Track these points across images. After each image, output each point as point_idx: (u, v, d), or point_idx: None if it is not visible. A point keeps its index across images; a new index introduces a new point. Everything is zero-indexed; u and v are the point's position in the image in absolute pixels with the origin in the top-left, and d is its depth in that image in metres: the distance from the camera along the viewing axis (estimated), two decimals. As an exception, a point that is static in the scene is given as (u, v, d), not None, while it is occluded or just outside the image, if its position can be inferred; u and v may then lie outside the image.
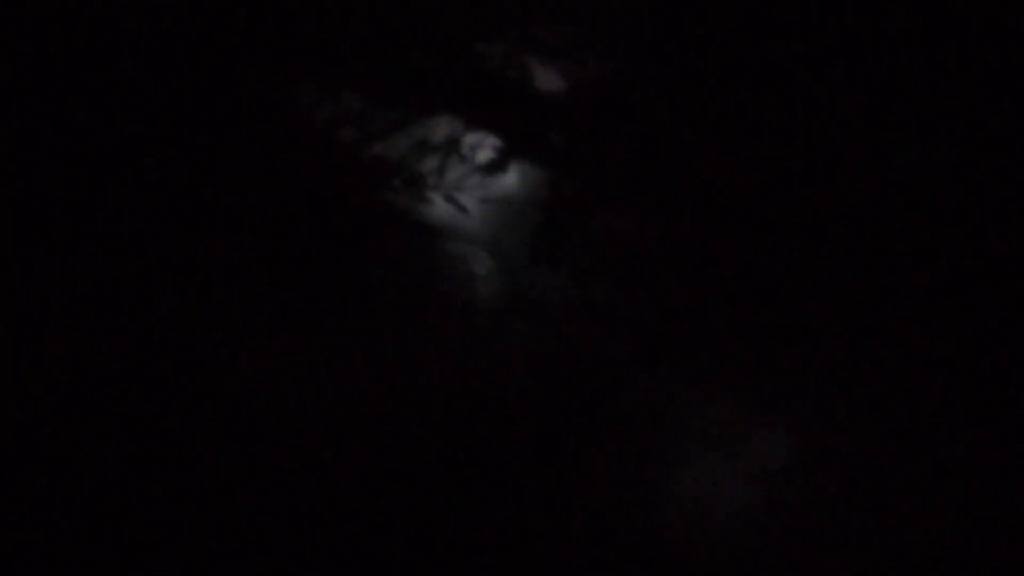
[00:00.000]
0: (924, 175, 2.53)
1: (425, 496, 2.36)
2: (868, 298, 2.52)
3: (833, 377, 2.52)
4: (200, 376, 2.38)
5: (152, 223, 2.45)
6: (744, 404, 2.52)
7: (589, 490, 2.42)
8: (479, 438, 2.44)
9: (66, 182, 2.43)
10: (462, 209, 2.69)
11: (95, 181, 2.45)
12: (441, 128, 2.71)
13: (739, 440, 2.49)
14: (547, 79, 2.74)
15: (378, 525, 2.31)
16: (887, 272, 2.52)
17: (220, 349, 2.40)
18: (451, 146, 2.71)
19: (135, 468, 2.27)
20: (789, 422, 2.50)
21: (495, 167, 2.71)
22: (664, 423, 2.51)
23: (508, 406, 2.47)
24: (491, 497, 2.39)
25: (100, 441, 2.27)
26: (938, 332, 2.48)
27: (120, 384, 2.33)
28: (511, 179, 2.71)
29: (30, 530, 2.16)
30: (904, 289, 2.50)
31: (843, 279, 2.54)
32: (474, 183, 2.71)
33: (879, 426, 2.47)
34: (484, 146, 2.72)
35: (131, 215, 2.44)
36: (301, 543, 2.26)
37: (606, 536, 2.37)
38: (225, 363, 2.40)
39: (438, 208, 2.69)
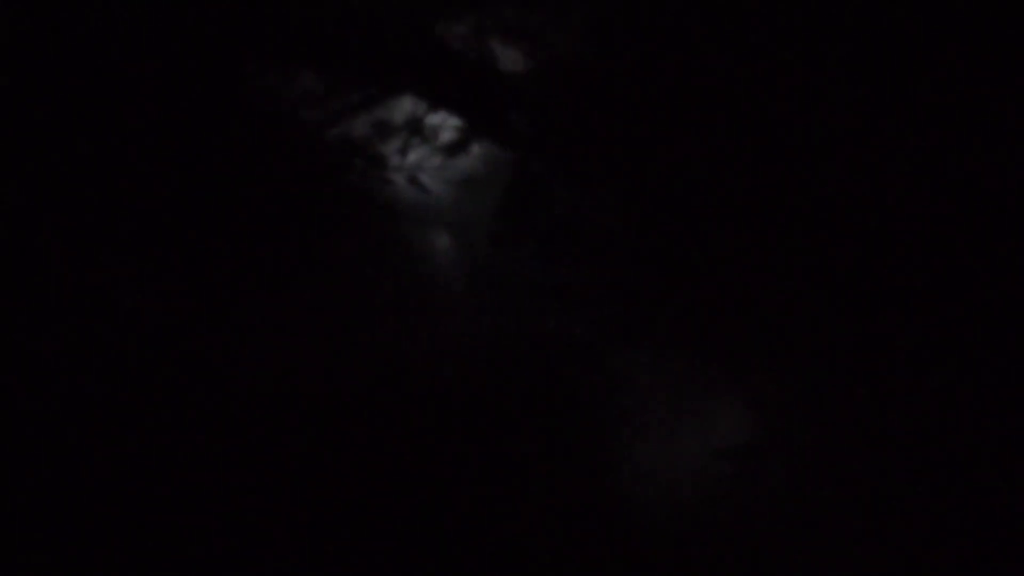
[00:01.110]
0: (895, 153, 2.54)
1: (393, 477, 2.35)
2: (830, 278, 2.53)
3: (797, 355, 2.53)
4: (169, 353, 2.36)
5: (113, 211, 2.42)
6: (711, 383, 2.53)
7: (557, 469, 2.42)
8: (441, 417, 2.43)
9: (45, 171, 2.40)
10: (424, 190, 2.68)
11: (70, 168, 2.42)
12: (403, 109, 2.69)
13: (707, 418, 2.50)
14: (510, 59, 2.72)
15: (349, 506, 2.31)
16: (849, 252, 2.53)
17: (183, 329, 2.38)
18: (413, 127, 2.69)
19: (132, 462, 2.25)
20: (755, 399, 2.51)
21: (457, 148, 2.69)
22: (632, 402, 2.51)
23: (471, 386, 2.46)
24: (457, 475, 2.38)
25: (98, 436, 2.25)
26: (901, 308, 2.49)
27: (107, 377, 2.30)
28: (473, 160, 2.70)
29: (30, 529, 2.14)
30: (865, 269, 2.52)
31: (806, 259, 2.55)
32: (436, 164, 2.69)
33: (843, 402, 2.48)
34: (446, 127, 2.70)
35: (96, 204, 2.41)
36: (284, 516, 2.25)
37: (575, 512, 2.37)
38: (186, 341, 2.38)
39: (400, 189, 2.67)
